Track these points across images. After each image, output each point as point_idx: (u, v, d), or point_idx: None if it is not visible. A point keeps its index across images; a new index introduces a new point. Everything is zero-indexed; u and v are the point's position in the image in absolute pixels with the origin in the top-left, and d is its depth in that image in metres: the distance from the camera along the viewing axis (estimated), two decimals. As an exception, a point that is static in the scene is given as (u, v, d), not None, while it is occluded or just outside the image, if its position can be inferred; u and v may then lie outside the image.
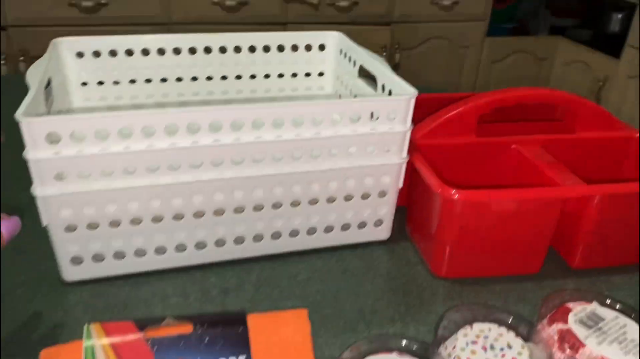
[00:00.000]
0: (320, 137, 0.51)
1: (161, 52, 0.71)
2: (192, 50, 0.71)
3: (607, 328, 0.46)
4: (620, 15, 2.05)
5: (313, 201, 0.55)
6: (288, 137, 0.50)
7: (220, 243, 0.54)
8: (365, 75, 0.66)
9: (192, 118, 0.47)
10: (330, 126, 0.51)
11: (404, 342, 0.45)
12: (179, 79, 0.73)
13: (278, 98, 0.77)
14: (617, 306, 0.49)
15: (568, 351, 0.44)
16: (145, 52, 0.70)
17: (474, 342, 0.44)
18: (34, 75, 0.52)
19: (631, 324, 0.46)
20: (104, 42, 0.68)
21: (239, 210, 0.53)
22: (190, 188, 0.50)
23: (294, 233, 0.56)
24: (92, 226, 0.49)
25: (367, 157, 0.54)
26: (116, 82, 0.71)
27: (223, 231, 0.54)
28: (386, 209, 0.58)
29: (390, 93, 0.58)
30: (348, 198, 0.56)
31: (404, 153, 0.55)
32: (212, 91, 0.75)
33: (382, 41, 1.99)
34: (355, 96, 0.69)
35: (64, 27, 1.77)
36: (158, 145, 0.47)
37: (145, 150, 0.47)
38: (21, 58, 1.75)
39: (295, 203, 0.54)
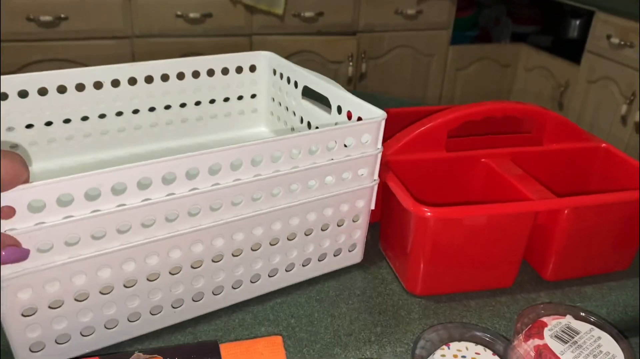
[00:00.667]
0: (297, 170, 0.48)
1: (80, 87, 0.64)
2: (115, 83, 0.66)
3: (582, 341, 0.46)
4: (578, 22, 2.10)
5: (291, 236, 0.52)
6: (266, 174, 0.46)
7: (198, 296, 0.49)
8: (310, 94, 0.64)
9: (167, 168, 0.41)
10: (308, 157, 0.48)
11: (381, 366, 0.44)
12: (101, 116, 0.67)
13: (210, 125, 0.74)
14: (591, 319, 0.49)
15: (545, 367, 0.44)
16: (63, 89, 0.63)
17: (451, 362, 0.44)
18: None
19: (605, 336, 0.47)
20: (30, 79, 0.61)
21: (217, 258, 0.48)
22: (166, 244, 0.44)
23: (273, 272, 0.53)
24: (55, 304, 0.42)
25: (343, 183, 0.52)
26: (48, 123, 0.64)
27: (201, 284, 0.48)
28: (359, 232, 0.56)
29: (350, 114, 0.56)
30: (325, 227, 0.53)
31: (376, 175, 0.54)
32: (139, 125, 0.70)
33: (348, 51, 1.99)
34: (301, 118, 0.67)
35: (23, 42, 1.72)
36: (129, 202, 0.41)
37: (116, 211, 0.40)
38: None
39: (274, 241, 0.51)
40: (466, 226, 0.51)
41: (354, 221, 0.55)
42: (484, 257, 0.54)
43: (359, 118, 0.55)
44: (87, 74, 0.64)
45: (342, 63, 2.01)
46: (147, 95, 0.68)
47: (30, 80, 0.61)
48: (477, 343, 0.46)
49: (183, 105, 0.71)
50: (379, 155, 0.53)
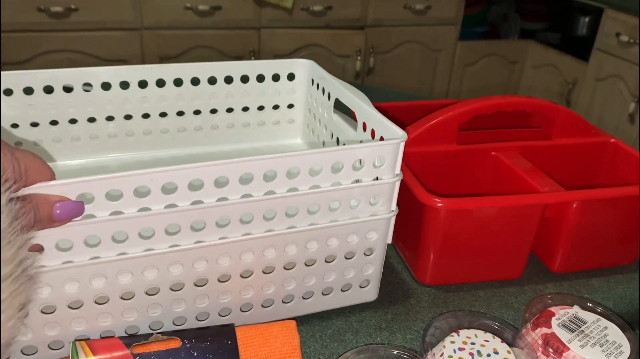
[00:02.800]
0: (282, 196, 0.43)
1: (106, 86, 0.62)
2: (142, 84, 0.63)
3: (589, 331, 0.47)
4: (587, 19, 2.10)
5: (310, 262, 0.48)
6: (258, 196, 0.43)
7: (156, 326, 0.46)
8: (341, 109, 0.61)
9: (168, 178, 0.39)
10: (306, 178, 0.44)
11: (393, 351, 0.45)
12: (127, 117, 0.64)
13: (242, 134, 0.70)
14: (598, 309, 0.50)
15: (552, 354, 0.45)
16: (88, 86, 0.62)
17: (461, 349, 0.45)
18: None
19: (612, 326, 0.48)
20: (36, 76, 0.59)
21: (200, 283, 0.45)
22: (166, 259, 0.42)
23: (288, 299, 0.49)
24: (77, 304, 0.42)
25: (353, 212, 0.47)
26: (53, 122, 0.62)
27: (157, 312, 0.45)
28: (372, 268, 0.51)
29: (373, 134, 0.52)
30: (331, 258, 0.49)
31: (393, 205, 0.48)
32: (166, 129, 0.67)
33: (356, 45, 2.00)
34: (332, 133, 0.63)
35: (33, 33, 1.73)
36: (128, 212, 0.39)
37: (139, 216, 0.39)
38: (-11, 64, 1.71)
39: (308, 263, 0.48)
40: (476, 218, 0.52)
41: (366, 255, 0.50)
42: (493, 248, 0.55)
43: (382, 138, 0.50)
44: (114, 73, 0.62)
45: (349, 58, 2.02)
46: (175, 98, 0.65)
47: (57, 76, 0.60)
48: (485, 330, 0.47)
49: (214, 111, 0.68)
50: (397, 183, 0.47)
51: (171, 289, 0.44)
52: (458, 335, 0.46)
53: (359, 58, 2.01)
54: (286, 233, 0.45)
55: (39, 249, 0.38)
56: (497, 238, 0.54)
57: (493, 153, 0.62)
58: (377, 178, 0.46)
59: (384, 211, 0.48)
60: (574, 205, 0.54)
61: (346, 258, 0.49)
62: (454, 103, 0.61)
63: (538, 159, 0.62)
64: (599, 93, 1.90)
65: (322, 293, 0.50)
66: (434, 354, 0.45)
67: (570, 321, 0.48)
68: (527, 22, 2.34)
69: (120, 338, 0.43)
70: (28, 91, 0.60)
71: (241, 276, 0.46)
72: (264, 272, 0.47)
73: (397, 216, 0.60)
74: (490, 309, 0.54)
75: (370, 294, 0.52)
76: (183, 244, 0.42)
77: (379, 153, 0.45)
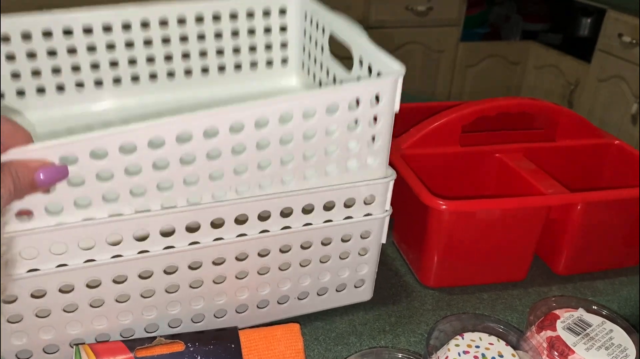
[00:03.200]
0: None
1: (88, 31, 0.58)
2: (126, 26, 0.60)
3: (594, 334, 0.47)
4: (589, 20, 2.10)
5: (305, 262, 0.48)
6: (251, 197, 0.42)
7: (174, 323, 0.46)
8: (338, 54, 0.57)
9: (154, 133, 0.37)
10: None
11: (397, 354, 0.45)
12: (113, 63, 0.61)
13: (234, 77, 0.65)
14: (603, 312, 0.50)
15: (557, 357, 0.45)
16: (68, 31, 0.58)
17: (465, 352, 0.45)
18: None
19: (617, 329, 0.47)
20: (15, 21, 0.55)
21: (195, 284, 0.45)
22: (161, 261, 0.42)
23: (283, 299, 0.49)
24: (14, 319, 0.41)
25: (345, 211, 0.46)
26: (36, 73, 0.58)
27: (178, 309, 0.46)
28: (367, 268, 0.51)
29: (370, 70, 0.49)
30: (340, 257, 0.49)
31: (387, 205, 0.48)
32: (154, 73, 0.63)
33: (358, 47, 2.00)
34: (327, 70, 0.59)
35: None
36: (97, 216, 0.38)
37: (50, 229, 0.38)
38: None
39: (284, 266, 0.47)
40: (480, 220, 0.52)
41: (360, 254, 0.49)
42: (496, 250, 0.54)
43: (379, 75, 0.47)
44: (95, 16, 0.58)
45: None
46: (162, 41, 0.61)
47: (35, 22, 0.56)
48: (490, 333, 0.47)
49: (203, 53, 0.64)
50: (391, 183, 0.46)
51: (166, 291, 0.44)
52: (462, 338, 0.46)
53: (360, 59, 2.01)
54: (281, 233, 0.44)
55: (29, 213, 0.36)
56: (501, 241, 0.54)
57: (496, 155, 0.62)
58: (375, 118, 0.43)
59: (378, 212, 0.47)
60: (578, 207, 0.53)
61: (341, 258, 0.49)
62: (457, 105, 0.61)
63: (542, 161, 0.61)
64: (601, 95, 1.90)
65: (317, 294, 0.50)
66: (438, 357, 0.45)
67: (575, 324, 0.47)
68: (528, 23, 2.33)
69: (124, 341, 0.43)
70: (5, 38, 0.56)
71: (236, 277, 0.46)
72: (258, 273, 0.46)
73: (401, 219, 0.60)
74: (495, 312, 0.53)
75: (365, 294, 0.52)
76: (178, 246, 0.42)
77: (375, 90, 0.42)
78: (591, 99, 1.94)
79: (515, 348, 0.46)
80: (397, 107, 0.44)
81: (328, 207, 0.45)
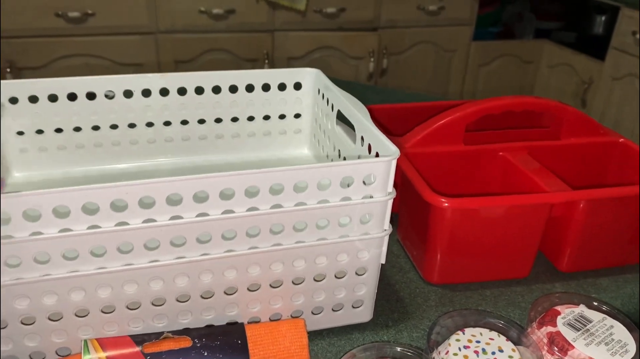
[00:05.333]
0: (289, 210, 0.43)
1: (110, 95, 0.63)
2: (146, 93, 0.63)
3: (594, 329, 0.47)
4: (603, 18, 2.08)
5: (298, 281, 0.47)
6: (240, 212, 0.42)
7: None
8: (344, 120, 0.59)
9: (173, 189, 0.40)
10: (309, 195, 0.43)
11: (397, 348, 0.46)
12: (131, 125, 0.65)
13: (248, 144, 0.69)
14: (604, 308, 0.50)
15: (557, 353, 0.46)
16: (91, 96, 0.62)
17: (466, 347, 0.45)
18: None
19: (618, 325, 0.48)
20: (42, 85, 0.60)
21: (182, 298, 0.45)
22: (172, 270, 0.43)
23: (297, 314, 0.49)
24: (27, 321, 0.42)
25: (341, 230, 0.45)
26: (58, 130, 0.63)
27: (164, 323, 0.46)
28: (365, 289, 0.50)
29: (370, 148, 0.51)
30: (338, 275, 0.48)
31: (386, 224, 0.47)
32: (170, 137, 0.67)
33: (369, 46, 2.00)
34: (334, 145, 0.62)
35: (51, 38, 1.77)
36: (105, 226, 0.40)
37: (60, 236, 0.39)
38: (8, 69, 1.75)
39: (297, 281, 0.47)
40: (483, 217, 0.53)
41: (358, 275, 0.48)
42: (500, 247, 0.55)
43: (377, 155, 0.49)
44: (118, 82, 0.62)
45: (363, 59, 2.02)
46: (179, 107, 0.65)
47: (61, 84, 0.61)
48: (491, 329, 0.47)
49: (218, 120, 0.67)
50: (389, 202, 0.45)
51: (177, 300, 0.45)
52: (463, 333, 0.47)
53: (372, 59, 2.02)
54: (272, 250, 0.44)
55: None
56: (504, 238, 0.55)
57: (501, 153, 0.63)
58: (371, 197, 0.45)
59: (376, 231, 0.46)
60: (581, 205, 0.54)
61: (336, 277, 0.48)
62: (461, 104, 0.62)
63: (546, 159, 0.62)
64: (616, 93, 1.89)
65: (312, 313, 0.49)
66: (439, 352, 0.46)
67: (575, 320, 0.48)
68: (542, 22, 2.32)
69: (131, 336, 0.44)
70: (33, 99, 0.61)
71: (225, 293, 0.46)
72: (248, 289, 0.46)
73: (405, 216, 0.61)
74: (497, 308, 0.54)
75: (364, 315, 0.51)
76: (189, 256, 0.43)
77: (369, 171, 0.43)
78: (605, 98, 1.93)
79: (515, 343, 0.47)
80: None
81: (321, 226, 0.45)
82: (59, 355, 0.44)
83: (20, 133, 0.62)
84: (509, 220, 0.53)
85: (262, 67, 1.96)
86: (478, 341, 0.46)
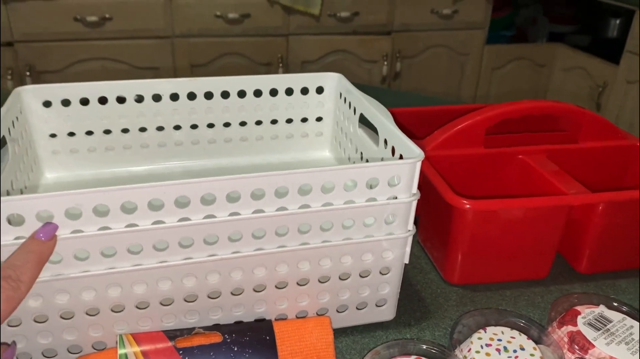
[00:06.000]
0: (313, 210, 0.44)
1: (139, 98, 0.64)
2: (174, 97, 0.65)
3: (614, 329, 0.48)
4: (618, 21, 2.08)
5: (324, 279, 0.49)
6: (269, 212, 0.43)
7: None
8: (366, 123, 0.60)
9: (206, 189, 0.41)
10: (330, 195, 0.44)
11: (422, 346, 0.47)
12: (159, 128, 0.67)
13: (271, 146, 0.71)
14: (624, 309, 0.51)
15: (578, 352, 0.47)
16: (121, 99, 0.64)
17: (488, 345, 0.46)
18: None
19: (637, 326, 0.49)
20: (74, 89, 0.62)
21: (213, 294, 0.46)
22: (203, 268, 0.45)
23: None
24: (40, 318, 0.43)
25: (365, 230, 0.47)
26: (89, 133, 0.65)
27: (195, 319, 0.47)
28: (389, 288, 0.51)
29: (393, 151, 0.52)
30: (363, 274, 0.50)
31: (410, 225, 0.48)
32: (197, 140, 0.69)
33: (383, 50, 2.02)
34: (356, 147, 0.63)
35: (70, 42, 1.80)
36: (115, 227, 0.41)
37: (99, 234, 0.40)
38: (27, 73, 1.78)
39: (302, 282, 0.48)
40: (503, 219, 0.54)
41: (382, 273, 0.50)
42: (519, 249, 0.56)
43: (401, 157, 0.50)
44: (147, 86, 0.64)
45: (376, 63, 2.04)
46: (205, 111, 0.67)
47: (92, 88, 0.63)
48: (512, 328, 0.48)
49: (243, 123, 0.69)
50: (414, 204, 0.47)
51: (209, 297, 0.46)
52: (485, 332, 0.48)
53: (385, 63, 2.03)
54: (300, 249, 0.46)
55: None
56: (524, 239, 0.56)
57: (520, 156, 0.64)
58: (395, 198, 0.46)
59: (400, 231, 0.48)
60: (600, 207, 0.55)
61: (361, 276, 0.49)
62: (481, 107, 0.63)
63: (564, 162, 0.63)
64: (630, 96, 1.88)
65: (337, 311, 0.50)
66: (461, 349, 0.47)
67: (596, 319, 0.49)
68: (556, 25, 2.32)
69: (164, 331, 0.46)
70: (65, 103, 0.62)
71: (254, 290, 0.47)
72: (276, 287, 0.47)
73: (426, 218, 0.62)
74: (517, 308, 0.55)
75: (387, 313, 0.52)
76: (221, 254, 0.44)
77: (394, 172, 0.45)
78: (620, 101, 1.92)
79: (536, 342, 0.48)
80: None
81: (347, 226, 0.46)
82: (95, 349, 0.46)
83: (53, 135, 0.64)
84: (529, 221, 0.54)
85: (276, 71, 1.98)
86: (500, 340, 0.47)
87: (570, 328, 0.48)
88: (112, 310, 0.45)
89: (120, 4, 1.78)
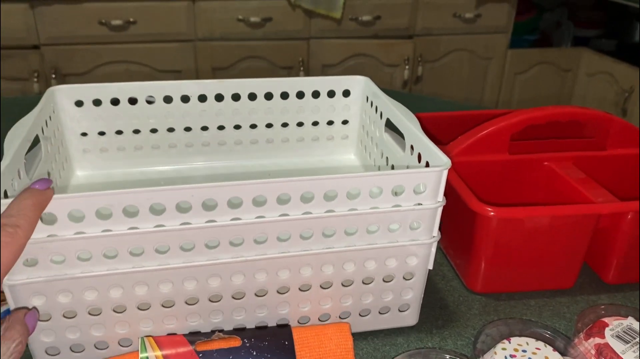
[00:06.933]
0: (336, 215, 0.44)
1: (168, 99, 0.65)
2: (202, 98, 0.66)
3: (643, 342, 0.47)
4: (644, 25, 2.05)
5: (347, 283, 0.49)
6: (295, 215, 0.43)
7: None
8: (393, 127, 0.60)
9: (234, 193, 0.42)
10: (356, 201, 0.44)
11: (444, 355, 0.46)
12: (187, 129, 0.68)
13: (296, 148, 0.72)
14: (653, 321, 0.49)
15: (605, 365, 0.45)
16: (150, 100, 0.65)
17: (512, 356, 0.45)
18: (14, 138, 0.48)
19: (667, 339, 0.47)
20: (105, 89, 0.63)
21: (238, 295, 0.47)
22: (229, 268, 0.45)
23: (324, 317, 0.50)
24: (69, 314, 0.44)
25: (391, 236, 0.47)
26: (119, 132, 0.66)
27: (219, 319, 0.48)
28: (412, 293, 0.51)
29: (420, 157, 0.52)
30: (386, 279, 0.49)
31: (435, 231, 0.48)
32: (224, 141, 0.69)
33: (404, 54, 2.01)
34: (382, 152, 0.63)
35: (94, 45, 1.82)
36: (144, 227, 0.41)
37: (128, 233, 0.41)
38: (53, 75, 1.80)
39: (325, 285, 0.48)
40: (528, 227, 0.53)
41: (405, 279, 0.49)
42: (544, 258, 0.55)
43: (427, 164, 0.50)
44: (175, 87, 0.65)
45: (398, 67, 2.03)
46: (232, 112, 0.68)
47: (123, 89, 0.64)
48: (537, 339, 0.47)
49: (269, 125, 0.70)
50: (439, 210, 0.46)
51: (233, 297, 0.47)
52: (509, 342, 0.47)
53: (407, 67, 2.02)
54: (324, 252, 0.46)
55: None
56: (549, 248, 0.54)
57: (545, 163, 0.63)
58: (421, 204, 0.46)
59: (425, 237, 0.47)
60: (629, 216, 0.53)
61: (384, 281, 0.49)
62: (506, 113, 0.62)
63: (592, 169, 0.62)
64: (657, 102, 1.85)
65: (360, 314, 0.50)
66: (485, 360, 0.46)
67: (624, 332, 0.48)
68: (580, 29, 2.29)
69: (185, 335, 0.46)
70: (96, 103, 0.64)
71: (277, 292, 0.47)
72: (300, 289, 0.48)
73: (448, 225, 0.61)
74: (542, 319, 0.54)
75: (409, 319, 0.52)
76: (246, 256, 0.45)
77: (420, 180, 0.45)
78: (646, 107, 1.89)
79: (562, 354, 0.47)
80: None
81: (372, 231, 0.46)
82: (121, 346, 0.47)
83: (84, 134, 0.65)
84: (555, 230, 0.53)
85: (297, 75, 1.98)
86: (524, 351, 0.46)
87: (597, 340, 0.47)
88: (139, 308, 0.45)
89: (144, 8, 1.80)
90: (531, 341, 0.47)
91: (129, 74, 1.89)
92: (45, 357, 0.46)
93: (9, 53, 1.77)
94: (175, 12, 1.82)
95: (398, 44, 2.00)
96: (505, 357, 0.45)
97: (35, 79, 1.80)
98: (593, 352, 0.47)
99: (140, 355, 0.44)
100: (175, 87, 0.65)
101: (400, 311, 0.51)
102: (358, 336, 0.51)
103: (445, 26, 2.03)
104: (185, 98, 0.66)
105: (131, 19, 1.80)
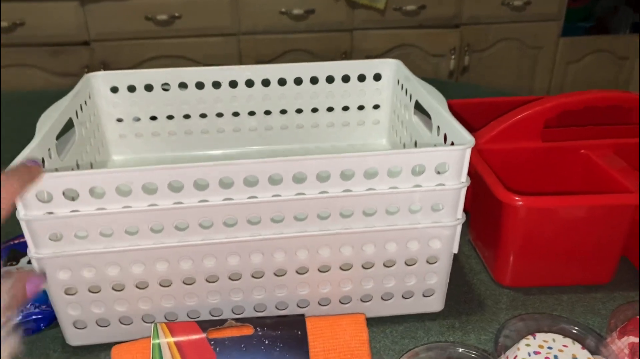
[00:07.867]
0: (355, 194, 0.44)
1: (200, 85, 0.66)
2: (233, 84, 0.67)
3: (683, 343, 0.43)
4: None
5: (368, 265, 0.48)
6: (311, 194, 0.43)
7: (237, 310, 0.49)
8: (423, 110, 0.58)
9: (250, 171, 0.42)
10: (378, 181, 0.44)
11: (461, 349, 0.44)
12: (219, 114, 0.68)
13: (326, 134, 0.71)
14: (696, 320, 0.46)
15: (639, 366, 0.42)
16: (183, 85, 0.66)
17: (536, 352, 0.43)
18: (47, 119, 0.49)
19: None
20: (140, 76, 0.65)
21: (257, 274, 0.47)
22: (247, 247, 0.45)
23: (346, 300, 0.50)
24: (94, 289, 0.45)
25: (413, 217, 0.45)
26: (153, 118, 0.67)
27: (239, 297, 0.48)
28: (436, 278, 0.49)
29: (445, 138, 0.51)
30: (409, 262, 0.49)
31: (459, 213, 0.46)
32: (254, 127, 0.70)
33: (451, 44, 1.96)
34: (410, 135, 0.62)
35: (141, 40, 1.86)
36: (163, 204, 0.42)
37: (148, 210, 0.42)
38: (101, 70, 1.85)
39: (365, 265, 0.48)
40: (559, 217, 0.50)
41: (429, 262, 0.48)
42: (578, 250, 0.52)
43: (452, 144, 0.49)
44: (206, 73, 0.66)
45: (444, 57, 1.98)
46: (263, 98, 0.68)
47: (156, 75, 0.66)
48: (565, 335, 0.45)
49: (299, 110, 0.70)
50: (463, 190, 0.45)
51: (252, 276, 0.47)
52: (534, 338, 0.44)
53: (453, 57, 1.97)
54: (342, 232, 0.45)
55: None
56: (584, 240, 0.51)
57: (582, 151, 0.59)
58: (443, 185, 0.45)
59: (449, 219, 0.46)
60: (672, 207, 0.50)
61: (407, 264, 0.48)
62: (540, 99, 0.59)
63: (633, 158, 0.58)
64: None
65: (382, 298, 0.50)
66: (507, 357, 0.44)
67: (661, 330, 0.44)
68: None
69: (197, 322, 0.46)
70: (131, 89, 0.66)
71: (297, 272, 0.47)
72: (319, 270, 0.47)
73: (477, 215, 0.59)
74: (574, 315, 0.51)
75: (435, 304, 0.51)
76: (263, 234, 0.45)
77: (442, 159, 0.43)
78: None
79: (593, 352, 0.44)
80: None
81: (392, 212, 0.45)
82: (144, 321, 0.48)
83: (120, 120, 0.67)
84: (589, 221, 0.50)
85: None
86: (550, 348, 0.43)
87: (632, 339, 0.44)
88: (160, 284, 0.46)
89: (189, 3, 1.82)
90: (558, 337, 0.44)
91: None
92: (74, 331, 0.47)
93: (60, 49, 1.83)
94: (219, 7, 1.84)
95: (444, 33, 1.95)
96: (529, 354, 0.43)
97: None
98: (627, 351, 0.43)
99: (153, 341, 0.44)
100: (207, 73, 0.66)
101: (424, 296, 0.50)
102: (377, 327, 0.49)
103: (493, 14, 1.96)
104: (216, 84, 0.67)
105: (176, 14, 1.83)
